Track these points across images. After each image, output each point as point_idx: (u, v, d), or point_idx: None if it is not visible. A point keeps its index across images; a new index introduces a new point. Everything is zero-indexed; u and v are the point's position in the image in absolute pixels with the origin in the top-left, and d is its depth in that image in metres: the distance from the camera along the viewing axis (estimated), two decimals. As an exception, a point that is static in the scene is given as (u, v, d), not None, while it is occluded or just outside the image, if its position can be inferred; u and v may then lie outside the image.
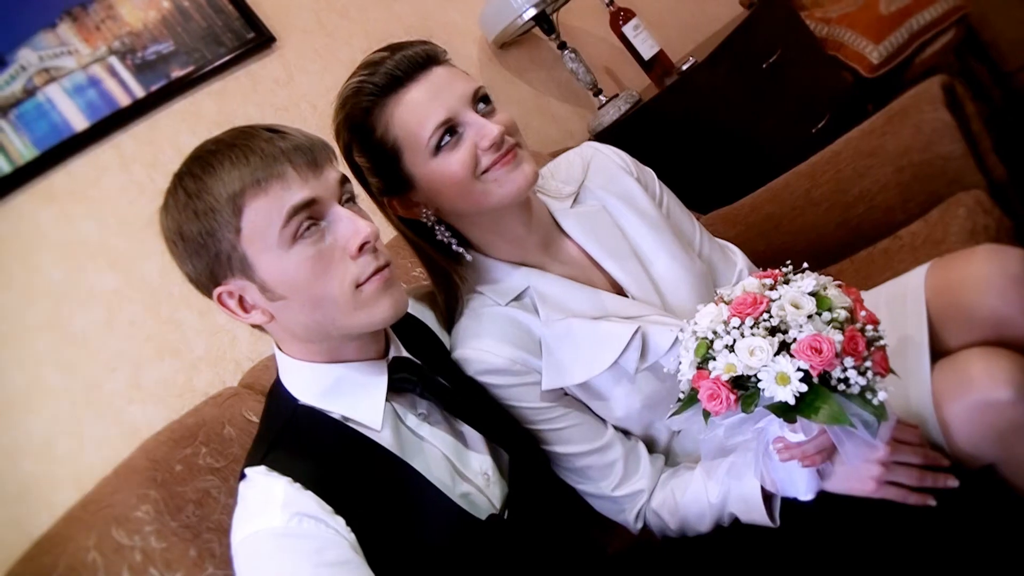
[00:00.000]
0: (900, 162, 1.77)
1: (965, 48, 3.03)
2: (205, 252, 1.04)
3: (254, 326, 1.13)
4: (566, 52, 2.64)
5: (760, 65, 2.52)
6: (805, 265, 1.01)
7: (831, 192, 1.89)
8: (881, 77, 2.81)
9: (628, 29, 2.67)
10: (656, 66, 2.68)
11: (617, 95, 2.66)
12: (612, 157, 1.42)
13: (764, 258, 1.61)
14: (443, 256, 1.30)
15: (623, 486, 1.27)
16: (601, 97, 2.66)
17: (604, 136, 2.58)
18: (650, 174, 1.45)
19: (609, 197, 1.37)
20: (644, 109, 2.55)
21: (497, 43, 2.69)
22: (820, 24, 2.97)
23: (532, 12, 2.52)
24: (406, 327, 1.27)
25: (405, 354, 1.20)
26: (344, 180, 1.09)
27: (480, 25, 2.66)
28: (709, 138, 2.45)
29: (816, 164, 1.96)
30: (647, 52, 2.68)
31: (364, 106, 1.19)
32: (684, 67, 2.49)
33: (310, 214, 1.03)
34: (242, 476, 1.09)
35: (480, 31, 2.69)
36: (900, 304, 1.24)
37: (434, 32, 2.61)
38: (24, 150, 1.88)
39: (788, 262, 1.03)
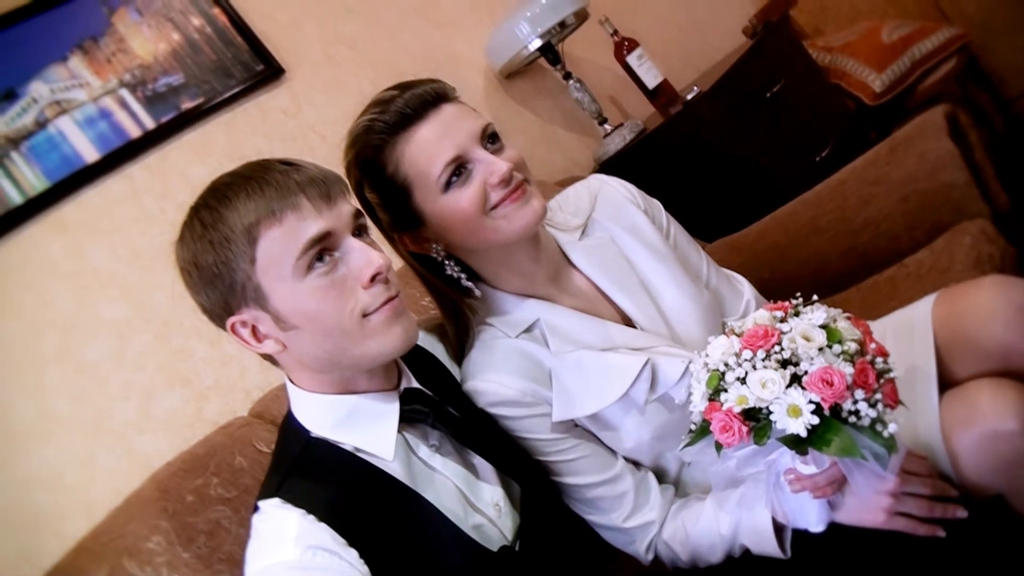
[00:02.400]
0: (904, 191, 1.79)
1: (967, 76, 3.06)
2: (220, 282, 1.06)
3: (265, 356, 1.15)
4: (571, 81, 2.67)
5: (764, 94, 2.54)
6: (815, 297, 1.03)
7: (836, 220, 1.90)
8: (884, 105, 2.82)
9: (632, 59, 2.69)
10: (660, 95, 2.70)
11: (622, 124, 2.68)
12: (619, 189, 1.44)
13: (770, 286, 1.62)
14: (453, 290, 1.32)
15: (633, 517, 1.28)
16: (606, 126, 2.69)
17: (609, 165, 2.61)
18: (657, 206, 1.47)
19: (617, 229, 1.39)
20: (649, 138, 2.57)
21: (503, 73, 2.72)
22: (822, 53, 3.00)
23: (538, 43, 2.55)
24: (416, 359, 1.29)
25: (417, 385, 1.22)
26: (358, 213, 1.11)
27: (486, 55, 2.69)
28: (714, 166, 2.47)
29: (821, 193, 1.98)
30: (651, 81, 2.70)
31: (375, 144, 1.21)
32: (688, 96, 2.50)
33: (324, 245, 1.05)
34: (255, 508, 1.09)
35: (486, 61, 2.71)
36: (907, 334, 1.25)
37: (440, 63, 2.64)
38: (36, 181, 1.89)
39: (798, 294, 1.04)
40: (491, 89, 2.74)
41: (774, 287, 1.59)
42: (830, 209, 1.92)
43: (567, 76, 2.68)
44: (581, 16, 2.66)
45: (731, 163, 2.46)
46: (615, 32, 2.72)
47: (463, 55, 2.70)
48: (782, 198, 2.09)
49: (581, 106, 2.71)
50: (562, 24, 2.57)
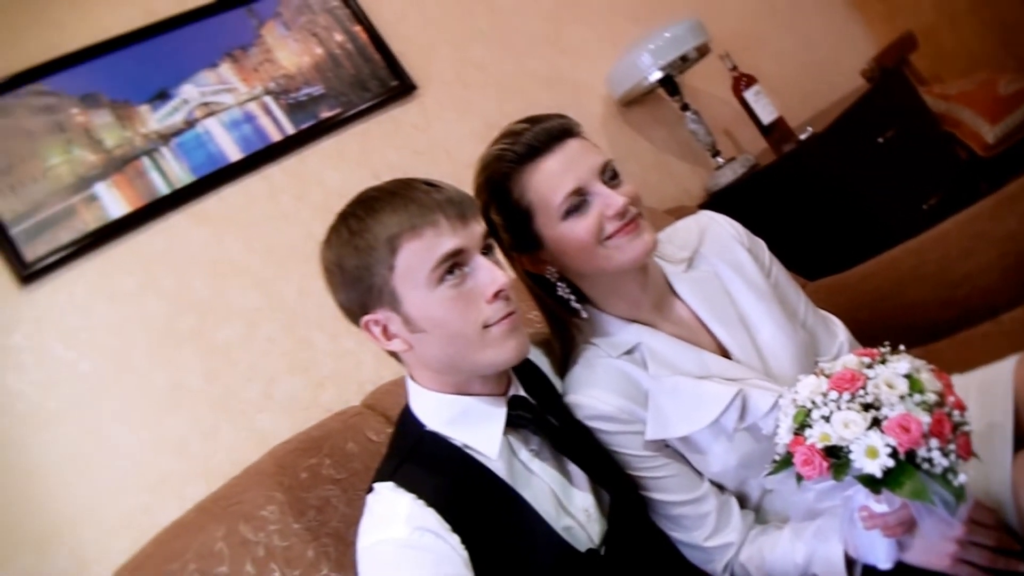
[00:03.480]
0: (1005, 247, 1.80)
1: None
2: (360, 284, 1.18)
3: (391, 353, 1.26)
4: (688, 113, 2.74)
5: (876, 139, 2.57)
6: (902, 347, 1.08)
7: (937, 271, 1.92)
8: (996, 157, 2.81)
9: (749, 94, 2.74)
10: (775, 131, 2.74)
11: (734, 158, 2.74)
12: (727, 227, 1.50)
13: (868, 329, 1.65)
14: (563, 309, 1.41)
15: (714, 537, 1.33)
16: (719, 159, 2.75)
17: (719, 197, 2.67)
18: (761, 245, 1.53)
19: (721, 264, 1.45)
20: (760, 174, 2.63)
21: (622, 101, 2.81)
22: (938, 100, 2.99)
23: (658, 75, 2.64)
24: (524, 369, 1.38)
25: (523, 393, 1.31)
26: (487, 233, 1.22)
27: (606, 83, 2.79)
28: (821, 207, 2.51)
29: (924, 242, 2.00)
30: (766, 117, 2.74)
31: (504, 171, 1.32)
32: (802, 136, 2.55)
33: (456, 261, 1.16)
34: (370, 489, 1.21)
35: (607, 89, 2.81)
36: (990, 391, 1.28)
37: (563, 87, 2.75)
38: (182, 175, 2.07)
39: (886, 343, 1.10)
40: (609, 116, 2.84)
41: (872, 330, 1.61)
42: (931, 259, 1.94)
43: (684, 107, 2.75)
44: (702, 51, 2.73)
45: (838, 204, 2.49)
46: (734, 67, 2.77)
47: (585, 82, 2.81)
48: (886, 243, 2.11)
49: (696, 137, 2.77)
50: (683, 58, 2.65)
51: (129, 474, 1.81)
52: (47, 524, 1.70)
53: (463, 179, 1.42)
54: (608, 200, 1.28)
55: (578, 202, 1.29)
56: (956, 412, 1.01)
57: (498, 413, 1.25)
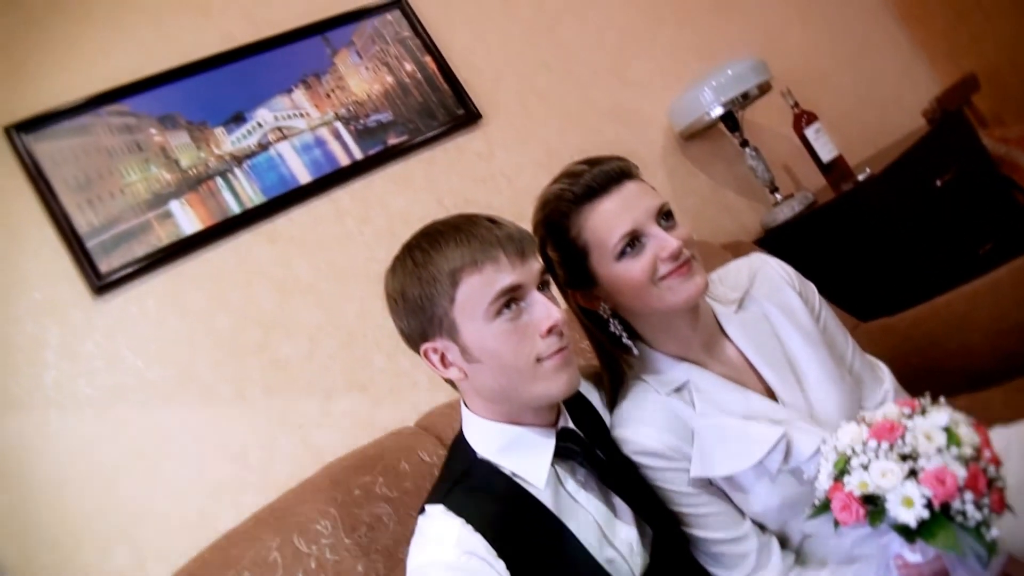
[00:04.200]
0: (1060, 298, 1.81)
1: None
2: (421, 313, 1.24)
3: (447, 380, 1.31)
4: (747, 149, 2.77)
5: (934, 181, 2.58)
6: (942, 399, 1.11)
7: (989, 319, 1.93)
8: (1056, 205, 2.79)
9: (810, 132, 2.76)
10: (834, 170, 2.75)
11: (792, 195, 2.75)
12: (778, 270, 1.52)
13: (919, 373, 1.66)
14: (614, 345, 1.45)
15: (754, 576, 1.36)
16: (777, 195, 2.77)
17: (775, 234, 2.69)
18: (812, 289, 1.54)
19: (771, 307, 1.47)
20: (817, 212, 2.64)
21: (683, 135, 2.84)
22: (999, 144, 2.98)
23: (719, 111, 2.67)
24: (574, 402, 1.42)
25: (572, 426, 1.35)
26: (543, 270, 1.27)
27: (668, 116, 2.83)
28: (877, 247, 2.52)
29: (978, 288, 2.00)
30: (826, 155, 2.76)
31: (563, 210, 1.37)
32: (860, 177, 2.56)
33: (513, 295, 1.21)
34: (422, 510, 1.26)
35: (668, 121, 2.85)
36: None
37: (625, 119, 2.80)
38: (253, 196, 2.15)
39: (927, 393, 1.12)
40: (669, 148, 2.87)
41: (923, 375, 1.62)
42: (984, 305, 1.94)
43: (744, 143, 2.78)
44: (764, 88, 2.75)
45: (894, 246, 2.50)
46: (796, 104, 2.79)
47: (647, 114, 2.85)
48: (940, 287, 2.12)
49: (754, 173, 2.79)
50: (744, 95, 2.67)
51: (189, 479, 1.87)
52: (110, 523, 1.76)
53: (523, 206, 1.47)
54: (663, 242, 1.32)
55: (633, 243, 1.33)
56: (992, 467, 1.02)
57: (547, 443, 1.29)
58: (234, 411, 1.96)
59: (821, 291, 1.56)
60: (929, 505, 0.98)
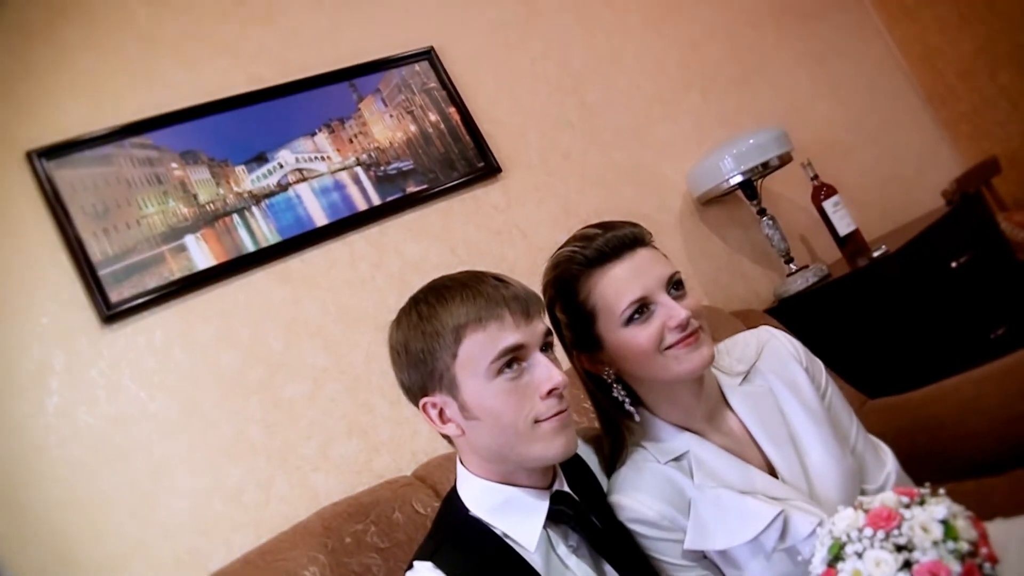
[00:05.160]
0: (1070, 388, 1.79)
1: None
2: (423, 366, 1.24)
3: (444, 436, 1.31)
4: (764, 218, 2.78)
5: (949, 263, 2.57)
6: (942, 491, 1.09)
7: (996, 406, 1.90)
8: (1072, 294, 2.78)
9: (828, 204, 2.78)
10: (850, 243, 2.76)
11: (807, 266, 2.76)
12: (786, 344, 1.52)
13: (923, 454, 1.64)
14: (616, 410, 1.44)
15: (742, 654, 1.33)
16: (792, 265, 2.77)
17: (788, 303, 2.69)
18: (819, 366, 1.53)
19: (777, 381, 1.47)
20: (831, 285, 2.64)
21: (701, 200, 2.86)
22: (1016, 228, 2.98)
23: (739, 179, 2.69)
24: (571, 464, 1.41)
25: (567, 489, 1.34)
26: (548, 331, 1.27)
27: (687, 181, 2.85)
28: (889, 325, 2.51)
29: (986, 373, 1.99)
30: (843, 229, 2.77)
31: (573, 273, 1.37)
32: (876, 253, 2.56)
33: (516, 355, 1.21)
34: (410, 566, 1.24)
35: (687, 186, 2.87)
36: None
37: (645, 180, 2.82)
38: (269, 235, 2.17)
39: (927, 484, 1.11)
40: (687, 212, 2.88)
41: (928, 457, 1.60)
42: (992, 392, 1.92)
43: (761, 212, 2.78)
44: (784, 159, 2.76)
45: (906, 324, 2.49)
46: (816, 176, 2.81)
47: (667, 176, 2.87)
48: (950, 369, 2.10)
49: (770, 242, 2.80)
50: (765, 164, 2.69)
51: (184, 516, 1.86)
52: (101, 556, 1.75)
53: (537, 261, 1.49)
54: (671, 312, 1.32)
55: (641, 310, 1.33)
56: (988, 564, 1.00)
57: (540, 506, 1.28)
58: (233, 449, 1.95)
59: (830, 365, 1.56)
60: (922, 598, 0.96)
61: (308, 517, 1.71)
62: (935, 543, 0.99)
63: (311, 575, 1.54)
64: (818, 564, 1.07)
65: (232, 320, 2.06)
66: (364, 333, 2.15)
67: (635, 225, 1.39)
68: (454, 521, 1.29)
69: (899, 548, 1.01)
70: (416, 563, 1.23)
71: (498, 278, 1.27)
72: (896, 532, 1.02)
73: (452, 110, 2.51)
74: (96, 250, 1.96)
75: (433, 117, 2.48)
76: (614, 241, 1.35)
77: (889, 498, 1.08)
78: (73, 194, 1.97)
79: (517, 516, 1.27)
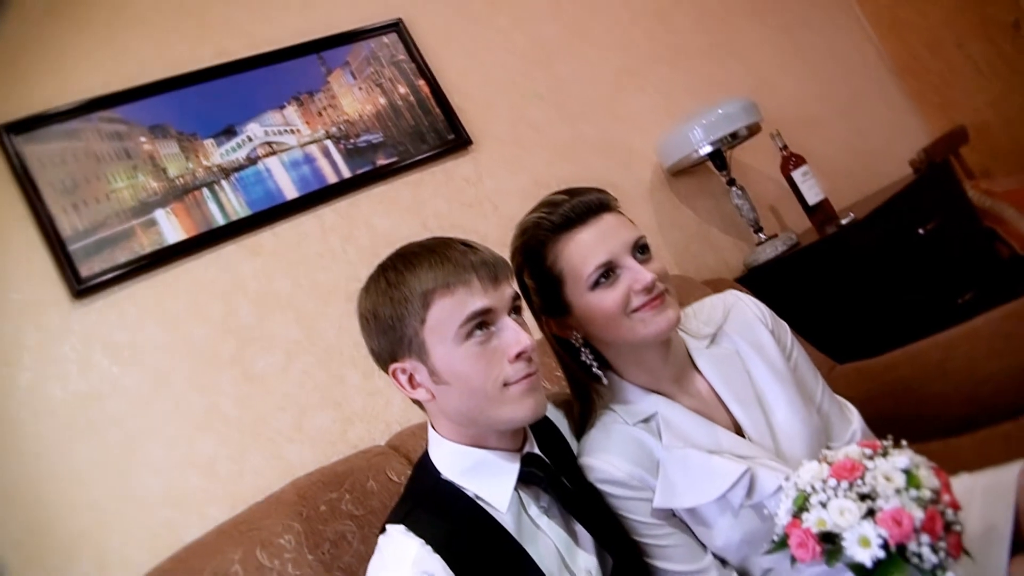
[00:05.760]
0: (1034, 349, 1.82)
1: None
2: (392, 332, 1.25)
3: (415, 401, 1.32)
4: (734, 188, 2.79)
5: (917, 229, 2.60)
6: (903, 442, 1.12)
7: (963, 367, 1.93)
8: (1038, 257, 2.82)
9: (797, 174, 2.79)
10: (819, 212, 2.78)
11: (776, 235, 2.78)
12: (751, 308, 1.54)
13: (891, 418, 1.66)
14: (585, 374, 1.46)
15: (713, 610, 1.36)
16: (761, 235, 2.79)
17: (757, 272, 2.71)
18: (784, 328, 1.56)
19: (743, 343, 1.49)
20: (800, 253, 2.66)
21: (670, 171, 2.87)
22: (983, 196, 3.02)
23: (708, 149, 2.70)
24: (542, 428, 1.43)
25: (537, 451, 1.35)
26: (516, 296, 1.28)
27: (657, 152, 2.86)
28: (857, 291, 2.54)
29: (953, 337, 2.02)
30: (812, 198, 2.78)
31: (540, 238, 1.39)
32: (844, 221, 2.59)
33: (484, 319, 1.22)
34: (383, 530, 1.26)
35: (657, 157, 2.88)
36: (994, 493, 1.29)
37: (614, 152, 2.83)
38: (239, 208, 2.16)
39: (889, 436, 1.14)
40: (657, 183, 2.89)
41: (895, 420, 1.62)
42: (959, 355, 1.95)
43: (731, 182, 2.80)
44: (753, 129, 2.78)
45: (874, 291, 2.52)
46: (784, 147, 2.82)
47: (636, 149, 2.87)
48: (917, 333, 2.13)
49: (740, 212, 2.81)
50: (734, 134, 2.70)
51: (158, 489, 1.86)
52: (76, 529, 1.75)
53: (508, 233, 1.49)
54: (637, 275, 1.34)
55: (607, 274, 1.34)
56: (950, 511, 1.03)
57: (511, 468, 1.29)
58: (206, 422, 1.95)
59: (799, 332, 1.58)
60: (885, 545, 0.99)
61: (283, 487, 1.70)
62: (898, 491, 1.02)
63: (286, 543, 1.55)
64: (783, 515, 1.09)
65: (203, 294, 2.06)
66: (335, 306, 2.15)
67: (601, 191, 1.40)
68: (426, 485, 1.31)
69: (863, 497, 1.04)
70: (389, 527, 1.25)
71: (466, 243, 1.28)
72: (860, 482, 1.05)
73: (421, 82, 2.50)
74: (66, 225, 1.94)
75: (402, 90, 2.47)
76: (580, 207, 1.36)
77: (853, 450, 1.10)
78: (42, 169, 1.96)
79: (488, 478, 1.29)
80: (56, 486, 1.78)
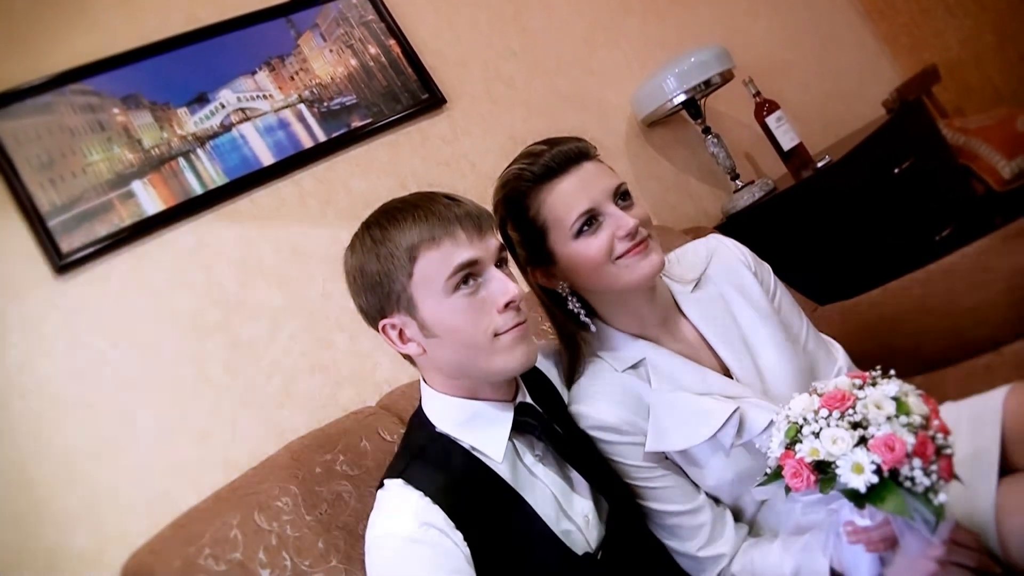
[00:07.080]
0: (1012, 281, 1.83)
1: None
2: (379, 289, 1.25)
3: (406, 356, 1.33)
4: (709, 136, 2.80)
5: (893, 169, 2.61)
6: (892, 372, 1.14)
7: (943, 302, 1.96)
8: (1012, 192, 2.85)
9: (771, 120, 2.79)
10: (794, 157, 2.78)
11: (753, 182, 2.78)
12: (734, 251, 1.55)
13: (873, 356, 1.65)
14: (572, 323, 1.47)
15: (708, 548, 1.38)
16: (738, 182, 2.80)
17: (736, 219, 2.72)
18: (767, 270, 1.57)
19: (727, 287, 1.50)
20: (777, 198, 2.67)
21: (645, 122, 2.87)
22: (957, 133, 3.04)
23: (682, 98, 2.69)
24: (533, 378, 1.44)
25: (530, 400, 1.37)
26: (501, 247, 1.29)
27: (631, 104, 2.85)
28: (836, 233, 2.55)
29: (932, 273, 2.03)
30: (787, 143, 2.79)
31: (522, 190, 1.39)
32: (820, 164, 2.60)
33: (471, 271, 1.23)
34: (381, 484, 1.28)
35: (631, 109, 2.87)
36: (980, 418, 1.32)
37: (588, 106, 2.82)
38: (216, 177, 2.15)
39: (878, 367, 1.15)
40: (632, 135, 2.89)
41: (879, 357, 1.62)
42: (939, 291, 1.97)
43: (706, 131, 2.80)
44: (726, 76, 2.78)
45: (853, 232, 2.54)
46: (758, 93, 2.82)
47: (610, 101, 2.87)
48: (897, 272, 2.14)
49: (716, 160, 2.82)
50: (707, 83, 2.70)
51: (151, 460, 1.86)
52: (71, 504, 1.76)
53: (485, 190, 1.49)
54: (619, 221, 1.34)
55: (590, 222, 1.35)
56: (940, 435, 1.05)
57: (505, 418, 1.31)
58: (196, 391, 1.95)
59: (781, 276, 1.59)
60: (878, 471, 1.01)
61: (276, 451, 1.72)
62: (888, 418, 1.04)
63: (284, 505, 1.56)
64: (776, 447, 1.11)
65: (185, 264, 2.05)
66: (318, 269, 2.14)
67: (579, 140, 1.40)
68: (422, 439, 1.32)
69: (854, 425, 1.06)
70: (387, 481, 1.27)
71: (449, 197, 1.28)
72: (851, 411, 1.07)
73: (392, 42, 2.48)
74: (44, 201, 1.93)
75: (373, 50, 2.45)
76: (560, 156, 1.36)
77: (842, 381, 1.12)
78: (17, 146, 1.94)
79: (483, 429, 1.30)
80: (50, 462, 1.78)
